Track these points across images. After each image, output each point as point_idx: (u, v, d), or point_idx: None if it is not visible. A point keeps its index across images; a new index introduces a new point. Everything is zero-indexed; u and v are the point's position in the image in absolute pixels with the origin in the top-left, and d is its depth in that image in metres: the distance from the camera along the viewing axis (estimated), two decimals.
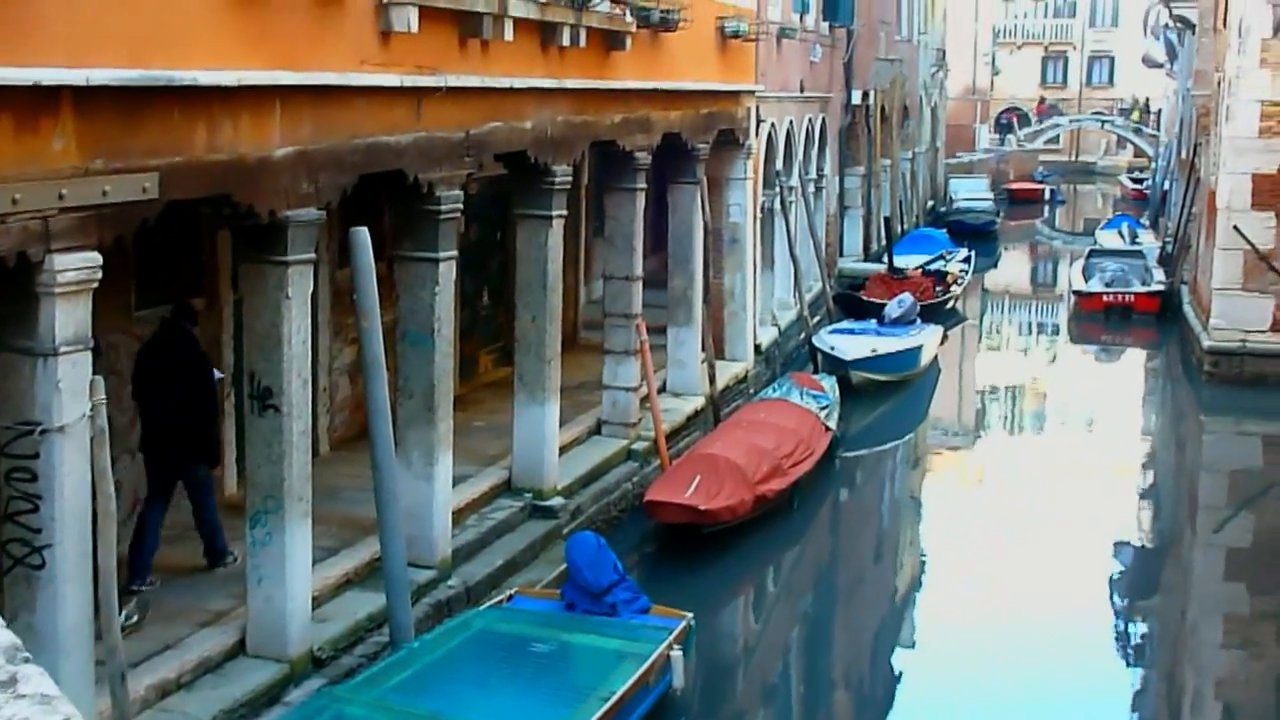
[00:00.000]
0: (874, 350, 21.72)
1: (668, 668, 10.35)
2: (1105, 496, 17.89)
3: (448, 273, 11.28)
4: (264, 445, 9.45)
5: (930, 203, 46.06)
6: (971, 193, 47.92)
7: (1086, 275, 31.82)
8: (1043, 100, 70.37)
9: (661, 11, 14.95)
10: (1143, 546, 16.62)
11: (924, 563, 15.95)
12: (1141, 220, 42.68)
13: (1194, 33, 34.00)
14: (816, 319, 23.75)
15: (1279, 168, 22.75)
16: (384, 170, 10.26)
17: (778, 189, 22.46)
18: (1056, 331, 33.02)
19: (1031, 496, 17.82)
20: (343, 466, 13.13)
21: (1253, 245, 22.84)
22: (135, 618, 9.51)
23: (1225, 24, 25.67)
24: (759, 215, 21.27)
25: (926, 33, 44.03)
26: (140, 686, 8.57)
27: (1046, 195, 58.01)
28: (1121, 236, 37.81)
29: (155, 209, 7.93)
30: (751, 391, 19.63)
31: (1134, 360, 29.64)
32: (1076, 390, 26.07)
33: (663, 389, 17.28)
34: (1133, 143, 63.43)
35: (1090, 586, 14.49)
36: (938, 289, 28.77)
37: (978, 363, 28.71)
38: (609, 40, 14.04)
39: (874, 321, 23.82)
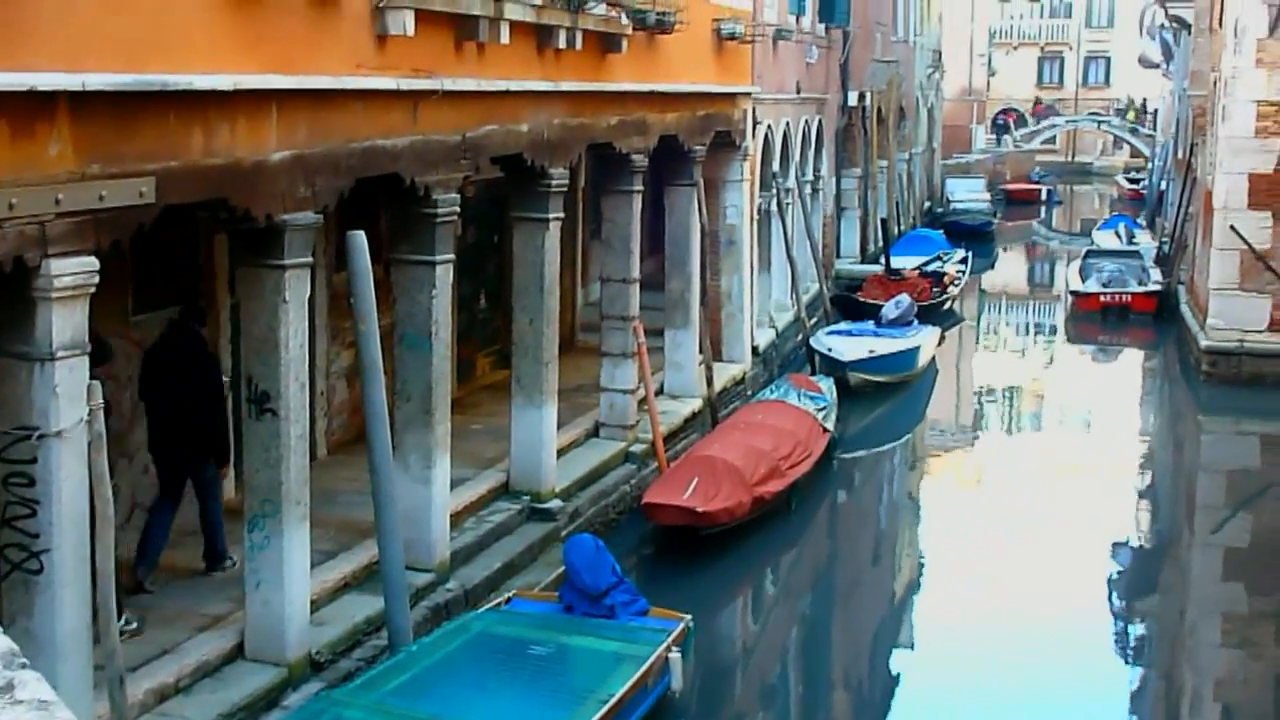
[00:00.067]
0: (871, 351, 21.73)
1: (666, 670, 10.35)
2: (1103, 497, 17.90)
3: (445, 276, 11.28)
4: (262, 449, 9.45)
5: (927, 204, 46.06)
6: (968, 194, 47.96)
7: (1083, 275, 31.84)
8: (1038, 101, 70.35)
9: (657, 14, 14.96)
10: (1141, 547, 16.62)
11: (922, 564, 15.95)
12: (1138, 220, 42.71)
13: (1190, 33, 34.02)
14: (814, 320, 23.77)
15: (1275, 167, 22.77)
16: (381, 174, 10.26)
17: (774, 191, 22.47)
18: (1054, 332, 33.02)
19: (1029, 497, 17.83)
20: (340, 470, 13.13)
21: (1249, 245, 22.86)
22: (135, 624, 9.51)
23: (1221, 24, 25.69)
24: (756, 217, 21.27)
25: (923, 34, 44.05)
26: (138, 691, 8.57)
27: (1043, 196, 58.06)
28: (1118, 237, 37.83)
29: (152, 213, 7.92)
30: (749, 393, 19.63)
31: (1131, 360, 29.66)
32: (1074, 391, 26.08)
33: (660, 391, 17.27)
34: (1129, 143, 63.47)
35: (1089, 587, 14.49)
36: (935, 290, 28.79)
37: (975, 364, 28.73)
38: (605, 43, 14.05)
39: (871, 323, 23.82)
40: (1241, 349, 22.83)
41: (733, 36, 18.04)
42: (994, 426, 23.55)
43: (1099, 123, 66.16)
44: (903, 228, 37.55)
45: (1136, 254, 34.08)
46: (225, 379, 11.56)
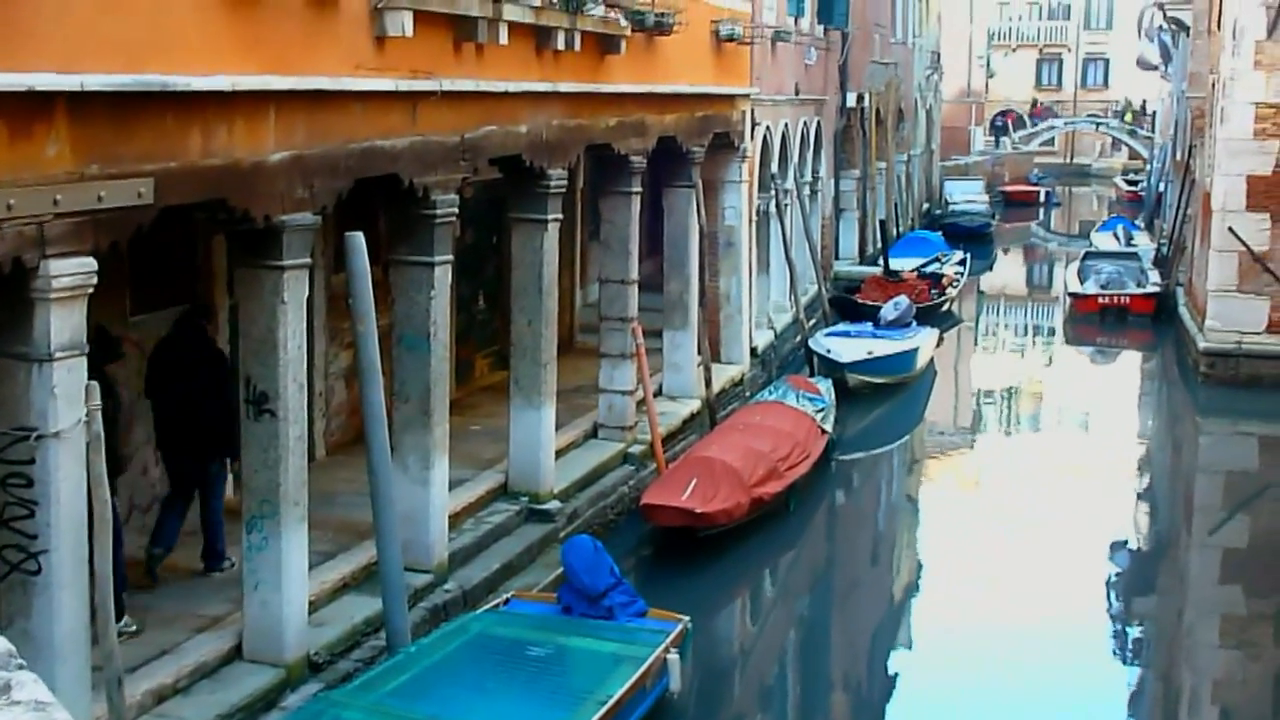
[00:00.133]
0: (870, 353, 21.73)
1: (664, 671, 10.35)
2: (1101, 498, 17.90)
3: (443, 277, 11.28)
4: (260, 450, 9.45)
5: (926, 205, 46.08)
6: (967, 195, 47.95)
7: (1082, 277, 31.84)
8: (1036, 103, 70.34)
9: (656, 15, 14.96)
10: (1139, 548, 16.63)
11: (920, 565, 15.95)
12: (1137, 222, 42.72)
13: (1188, 35, 34.04)
14: (812, 322, 23.78)
15: (1274, 169, 22.78)
16: (379, 175, 10.26)
17: (773, 192, 22.47)
18: (1052, 334, 33.03)
19: (1028, 498, 17.83)
20: (339, 471, 13.12)
21: (1248, 247, 22.87)
22: (135, 626, 9.51)
23: (1219, 26, 25.70)
24: (754, 218, 21.28)
25: (921, 35, 44.08)
26: (137, 692, 8.56)
27: (1042, 198, 58.09)
28: (1117, 238, 37.83)
29: (150, 214, 7.92)
30: (747, 394, 19.63)
31: (1129, 362, 29.68)
32: (1072, 392, 26.09)
33: (659, 392, 17.27)
34: (1127, 145, 63.51)
35: (1087, 588, 14.50)
36: (933, 292, 28.80)
37: (973, 365, 28.74)
38: (603, 44, 14.05)
39: (870, 324, 23.81)
40: (1239, 351, 22.84)
41: (731, 38, 18.04)
42: (992, 428, 23.56)
43: (1097, 124, 66.22)
44: (901, 229, 37.56)
45: (1135, 256, 34.08)
46: None
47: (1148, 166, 53.12)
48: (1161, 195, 41.95)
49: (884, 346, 22.26)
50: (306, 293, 9.59)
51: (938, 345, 24.81)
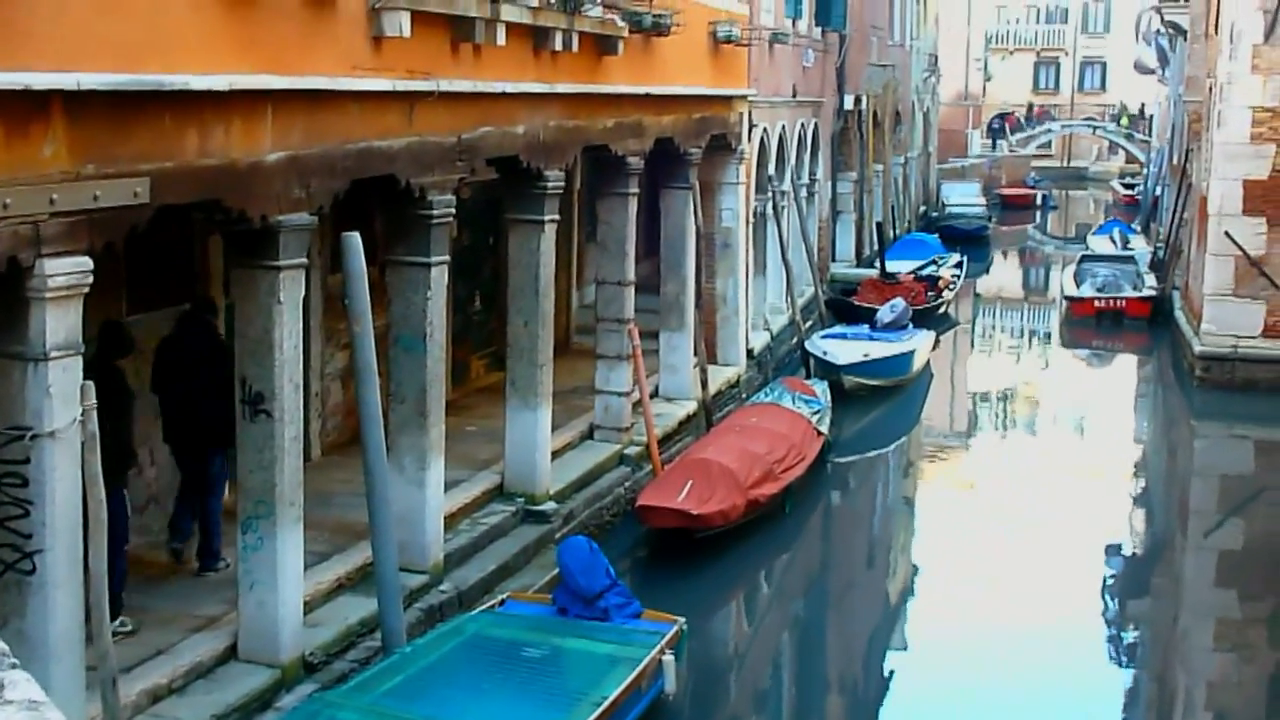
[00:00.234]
0: (866, 355, 21.74)
1: (660, 673, 10.34)
2: (1097, 501, 17.91)
3: (440, 278, 11.27)
4: (256, 450, 9.44)
5: (922, 208, 46.11)
6: (964, 198, 47.94)
7: (1078, 280, 31.85)
8: (1031, 106, 70.33)
9: (654, 16, 14.96)
10: (1135, 551, 16.64)
11: (916, 567, 15.95)
12: (1133, 226, 42.73)
13: (1185, 38, 34.07)
14: (809, 324, 23.78)
15: (1270, 173, 22.79)
16: (376, 175, 10.25)
17: (770, 194, 22.48)
18: (1048, 337, 33.06)
19: (1023, 501, 17.83)
20: (335, 471, 13.12)
21: (1244, 251, 22.88)
22: (130, 626, 9.50)
23: (1216, 30, 25.71)
24: (751, 220, 21.28)
25: (919, 38, 44.10)
26: (132, 692, 8.56)
27: (1038, 200, 58.09)
28: (1113, 242, 37.84)
29: (146, 214, 7.92)
30: (744, 396, 19.63)
31: (1125, 365, 29.70)
32: (1068, 395, 26.10)
33: (655, 394, 17.27)
34: (1124, 148, 63.54)
35: (1082, 590, 14.51)
36: (930, 294, 28.80)
37: (970, 368, 28.75)
38: (601, 45, 14.05)
39: (866, 326, 23.82)
40: (1235, 354, 22.85)
41: (729, 39, 18.05)
42: (988, 431, 23.57)
43: (1094, 128, 66.25)
44: (898, 232, 37.60)
45: (1131, 259, 34.09)
46: None
47: (1144, 170, 53.17)
48: (1158, 199, 41.95)
49: (880, 349, 22.26)
50: (303, 293, 9.58)
51: (934, 348, 24.82)
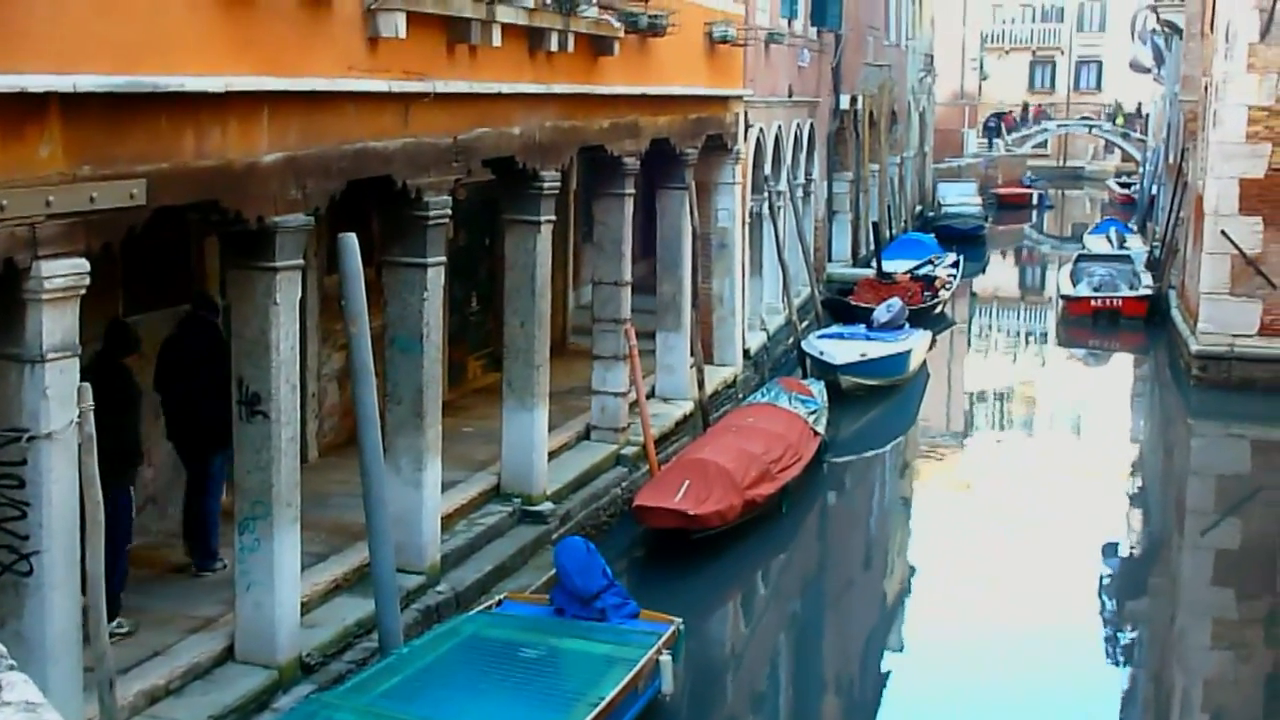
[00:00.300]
0: (863, 355, 21.75)
1: (657, 673, 10.35)
2: (1094, 501, 17.92)
3: (436, 278, 11.27)
4: (252, 451, 9.44)
5: (918, 208, 46.12)
6: (960, 197, 47.96)
7: (1074, 280, 31.87)
8: (1027, 105, 70.34)
9: (649, 17, 14.96)
10: (1131, 550, 16.65)
11: (913, 567, 15.97)
12: (1129, 225, 42.76)
13: (1181, 38, 34.10)
14: (805, 324, 23.78)
15: (1266, 172, 22.80)
16: (372, 176, 10.26)
17: (766, 194, 22.49)
18: (1044, 336, 33.07)
19: (1020, 500, 17.84)
20: (331, 472, 13.12)
21: (1240, 250, 22.89)
22: (127, 627, 9.50)
23: (1212, 29, 25.73)
24: (747, 220, 21.29)
25: (915, 38, 44.11)
26: (129, 693, 8.56)
27: (1034, 200, 58.11)
28: (1109, 241, 37.88)
29: (143, 215, 7.92)
30: (740, 396, 19.63)
31: (1122, 365, 29.71)
32: (1065, 395, 26.11)
33: (651, 394, 17.27)
34: (1120, 147, 63.57)
35: (1079, 590, 14.51)
36: (926, 294, 28.81)
37: (966, 367, 28.76)
38: (597, 46, 14.05)
39: (863, 326, 23.83)
40: (1232, 353, 22.86)
41: (725, 40, 18.05)
42: (985, 430, 23.56)
43: (1090, 127, 66.29)
44: (894, 231, 37.60)
45: (1127, 258, 34.12)
46: None
47: (1140, 169, 53.18)
48: (1154, 198, 41.98)
49: (877, 349, 22.27)
50: (299, 294, 9.58)
51: (930, 347, 24.82)
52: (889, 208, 37.68)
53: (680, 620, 11.12)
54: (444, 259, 11.45)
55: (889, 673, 12.93)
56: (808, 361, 21.52)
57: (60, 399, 7.53)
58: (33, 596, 7.63)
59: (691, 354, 17.79)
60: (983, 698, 11.93)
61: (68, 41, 7.30)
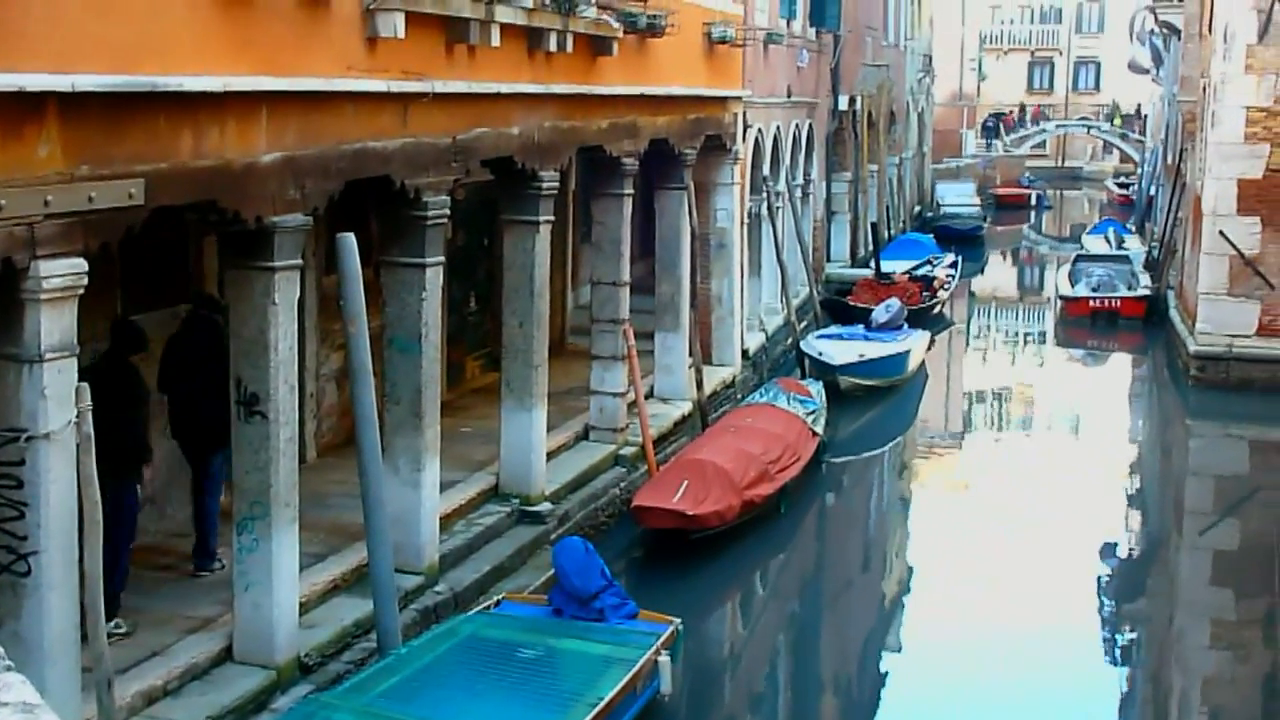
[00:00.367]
0: (861, 355, 21.75)
1: (655, 673, 10.35)
2: (1092, 501, 17.92)
3: (435, 279, 11.27)
4: (251, 452, 9.44)
5: (917, 208, 46.12)
6: (958, 198, 47.98)
7: (1073, 280, 31.88)
8: (1024, 106, 70.34)
9: (648, 17, 14.96)
10: (1130, 551, 16.65)
11: (911, 567, 15.97)
12: (1128, 225, 42.78)
13: (1180, 38, 34.10)
14: (804, 324, 23.77)
15: (1264, 173, 22.81)
16: (371, 176, 10.25)
17: (765, 194, 22.49)
18: (1043, 337, 33.08)
19: (1019, 501, 17.84)
20: (330, 473, 13.11)
21: (1238, 250, 22.90)
22: (125, 628, 9.50)
23: (1210, 30, 25.75)
24: (746, 221, 21.28)
25: (913, 38, 44.11)
26: (127, 693, 8.55)
27: (1033, 200, 58.11)
28: (1108, 242, 37.89)
29: (141, 215, 7.92)
30: (739, 397, 19.63)
31: (1120, 365, 29.71)
32: (1063, 395, 26.12)
33: (650, 394, 17.27)
34: (1119, 148, 63.58)
35: (1078, 590, 14.51)
36: (925, 294, 28.81)
37: (965, 368, 28.76)
38: (596, 46, 14.05)
39: (861, 327, 23.83)
40: (1230, 354, 22.87)
41: (723, 40, 18.05)
42: (983, 431, 23.57)
43: (1089, 128, 66.31)
44: (893, 232, 37.61)
45: (1126, 259, 34.14)
46: None
47: (1139, 170, 53.19)
48: (1152, 199, 42.00)
49: (875, 349, 22.27)
50: (298, 294, 9.57)
51: (929, 348, 24.82)
52: (887, 208, 37.69)
53: (679, 620, 11.12)
54: (442, 259, 11.45)
55: (887, 673, 12.94)
56: (806, 362, 21.52)
57: (58, 399, 7.53)
58: (31, 597, 7.63)
59: (690, 354, 17.78)
60: (981, 698, 11.93)
61: (66, 41, 7.29)
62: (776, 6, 23.61)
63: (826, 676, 13.21)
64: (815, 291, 25.79)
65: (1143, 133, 57.39)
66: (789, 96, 24.72)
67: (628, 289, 15.82)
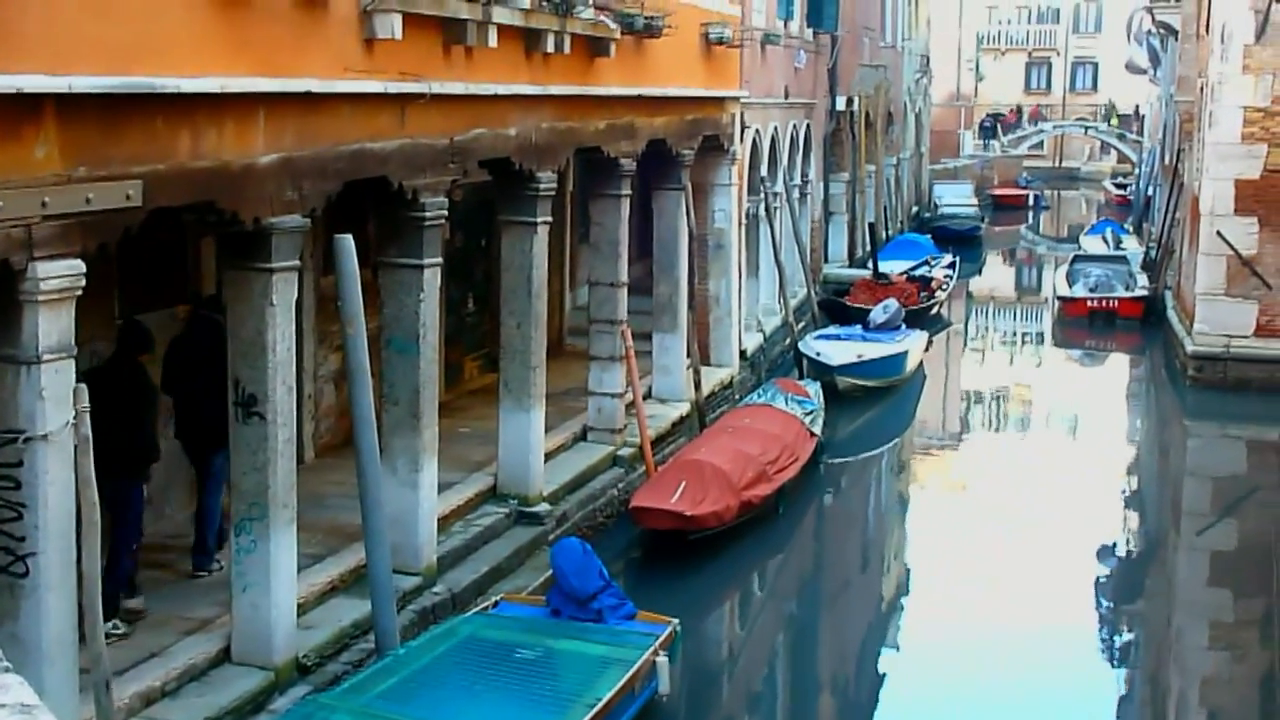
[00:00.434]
0: (859, 356, 21.75)
1: (653, 674, 10.35)
2: (1090, 501, 17.93)
3: (432, 279, 11.27)
4: (249, 453, 9.44)
5: (915, 208, 46.12)
6: (956, 198, 47.99)
7: (1071, 281, 31.90)
8: (1021, 108, 70.35)
9: (645, 18, 14.96)
10: (1127, 551, 16.66)
11: (909, 568, 15.97)
12: (1125, 226, 42.79)
13: (1177, 39, 34.12)
14: (802, 325, 23.77)
15: (1262, 173, 22.82)
16: (368, 177, 10.25)
17: (762, 195, 22.49)
18: (1041, 337, 33.09)
19: (1016, 501, 17.84)
20: (328, 474, 13.11)
21: (1236, 250, 22.91)
22: (123, 629, 9.50)
23: (1208, 30, 25.76)
24: (744, 221, 21.28)
25: (911, 39, 44.12)
26: (125, 694, 8.55)
27: (1031, 201, 58.13)
28: (1105, 242, 37.90)
29: (139, 216, 7.92)
30: (737, 397, 19.63)
31: (1118, 365, 29.73)
32: (1061, 395, 26.12)
33: (648, 395, 17.28)
34: (1116, 148, 63.60)
35: (1075, 590, 14.51)
36: (923, 295, 28.82)
37: (963, 368, 28.76)
38: (593, 47, 14.05)
39: (859, 327, 23.84)
40: (1227, 354, 22.88)
41: (721, 41, 18.05)
42: (981, 431, 23.58)
43: (1086, 128, 66.33)
44: (890, 232, 37.62)
45: (1123, 259, 34.15)
46: None
47: (1136, 170, 53.22)
48: (1150, 199, 42.02)
49: (873, 349, 22.28)
50: (295, 295, 9.57)
51: (927, 348, 24.83)
52: (885, 209, 37.70)
53: (677, 621, 11.12)
54: (440, 260, 11.45)
55: (885, 673, 12.94)
56: (804, 362, 21.53)
57: (56, 400, 7.53)
58: (28, 598, 7.62)
59: (688, 355, 17.78)
60: (979, 698, 11.93)
61: (63, 43, 7.29)
62: (774, 7, 23.62)
63: (825, 677, 13.21)
64: (813, 292, 25.80)
65: (1140, 133, 57.42)
66: (786, 97, 24.72)
67: (625, 290, 15.82)
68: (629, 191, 15.67)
